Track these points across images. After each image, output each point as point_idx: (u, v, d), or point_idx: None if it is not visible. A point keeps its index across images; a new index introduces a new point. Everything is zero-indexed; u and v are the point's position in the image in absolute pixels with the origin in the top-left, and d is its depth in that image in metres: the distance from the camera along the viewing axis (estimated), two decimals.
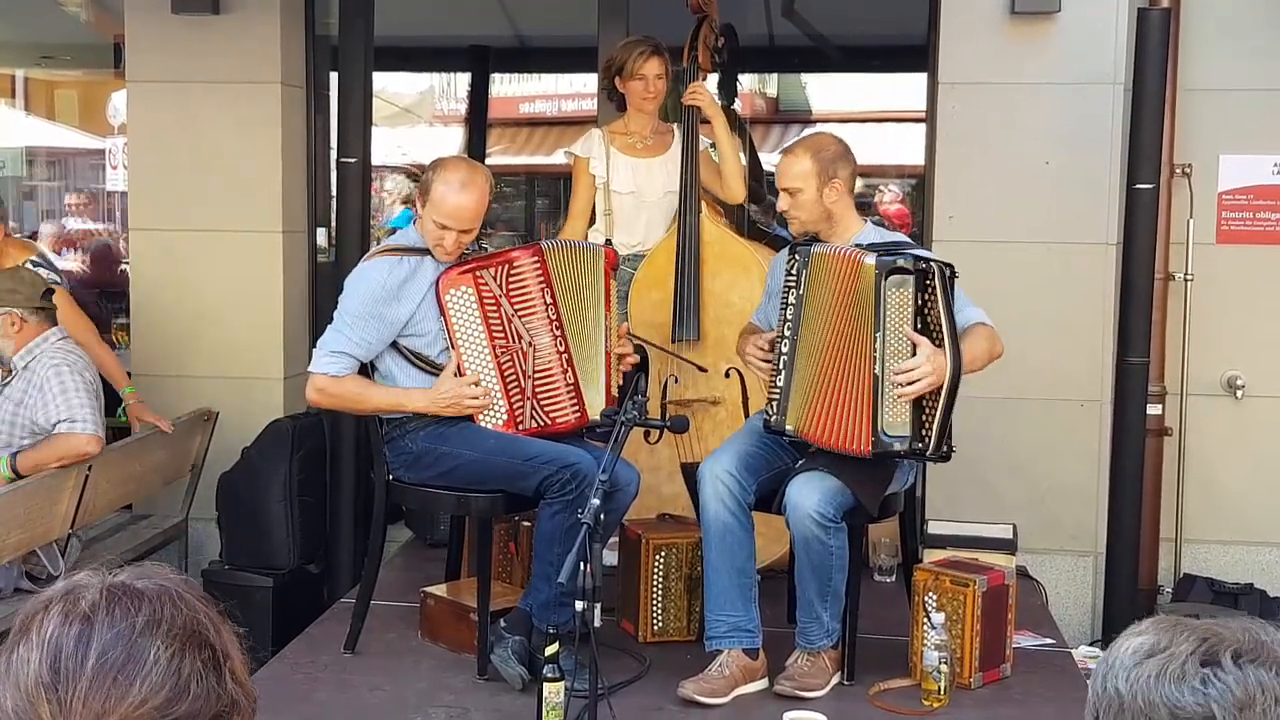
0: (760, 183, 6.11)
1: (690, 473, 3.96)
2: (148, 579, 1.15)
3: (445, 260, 3.71)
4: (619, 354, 3.88)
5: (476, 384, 3.66)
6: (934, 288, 3.44)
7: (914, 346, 3.44)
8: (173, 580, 1.16)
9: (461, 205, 3.64)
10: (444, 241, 3.66)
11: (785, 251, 3.82)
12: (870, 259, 3.49)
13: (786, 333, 3.66)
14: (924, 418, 3.48)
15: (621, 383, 3.88)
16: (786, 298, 3.67)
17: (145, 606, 1.12)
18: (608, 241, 4.61)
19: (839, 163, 3.69)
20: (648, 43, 4.59)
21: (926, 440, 3.48)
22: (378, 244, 4.20)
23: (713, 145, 4.68)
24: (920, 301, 3.45)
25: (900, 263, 3.46)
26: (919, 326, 3.46)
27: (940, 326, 3.45)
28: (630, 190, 4.63)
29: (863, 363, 3.51)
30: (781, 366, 3.66)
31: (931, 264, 3.45)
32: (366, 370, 3.74)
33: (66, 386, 4.22)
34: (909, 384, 3.43)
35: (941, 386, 3.43)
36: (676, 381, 4.52)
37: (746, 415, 4.22)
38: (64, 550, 4.35)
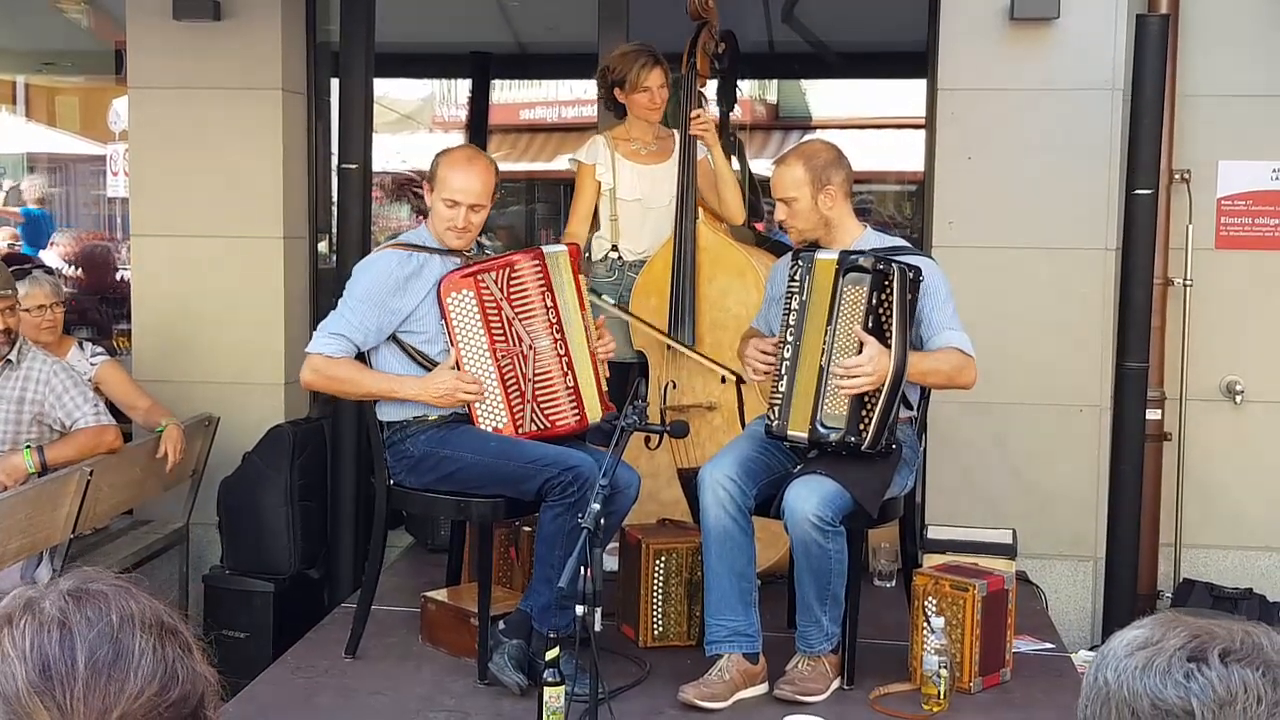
0: (757, 195, 6.14)
1: (687, 479, 3.97)
2: (98, 581, 1.16)
3: (459, 243, 3.74)
4: (601, 349, 3.90)
5: (473, 381, 3.68)
6: (891, 289, 3.49)
7: (860, 345, 3.49)
8: (122, 578, 1.18)
9: (469, 178, 3.70)
10: (455, 220, 3.70)
11: (787, 258, 3.84)
12: (834, 255, 3.57)
13: (789, 338, 3.67)
14: (864, 413, 3.54)
15: (609, 376, 3.91)
16: (789, 303, 3.68)
17: (112, 604, 1.13)
18: (613, 247, 4.64)
19: (831, 169, 3.70)
20: (646, 52, 4.59)
21: (863, 434, 3.55)
22: (378, 246, 4.22)
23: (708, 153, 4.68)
24: (875, 301, 3.50)
25: (861, 261, 3.53)
26: (871, 325, 3.51)
27: (890, 327, 3.51)
28: (636, 197, 4.63)
29: (815, 353, 3.56)
30: (784, 372, 3.67)
31: (893, 266, 3.50)
32: (365, 361, 3.76)
33: (78, 381, 4.31)
34: (849, 380, 3.48)
35: (883, 386, 3.48)
36: (674, 387, 4.53)
37: (742, 420, 4.24)
38: (66, 557, 4.36)
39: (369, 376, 3.73)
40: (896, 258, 3.58)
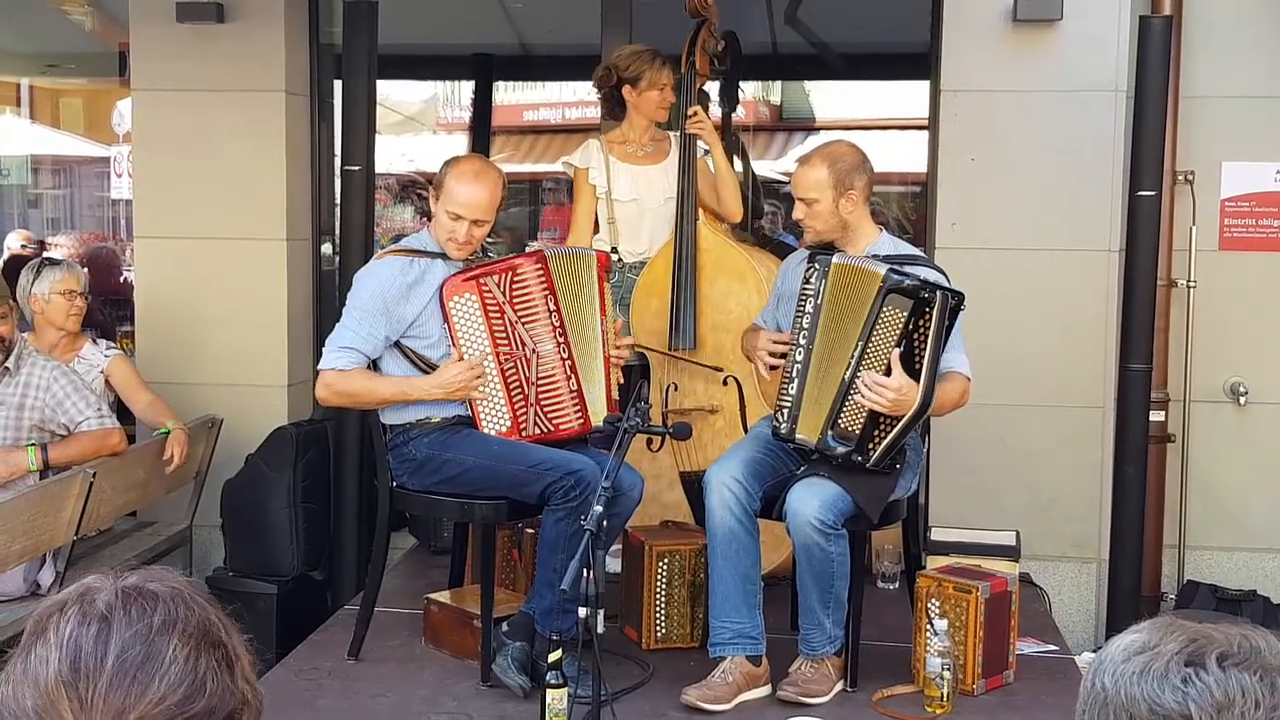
0: (758, 195, 6.13)
1: (690, 481, 3.96)
2: (158, 581, 1.18)
3: (458, 255, 3.72)
4: (615, 355, 3.89)
5: (477, 365, 3.68)
6: (930, 316, 3.45)
7: (888, 368, 3.47)
8: (182, 582, 1.19)
9: (475, 193, 3.68)
10: (457, 233, 3.68)
11: (799, 255, 3.83)
12: (882, 269, 3.51)
13: (802, 341, 3.65)
14: (877, 433, 3.52)
15: (621, 382, 3.90)
16: (804, 306, 3.65)
17: (160, 607, 1.14)
18: (613, 250, 4.63)
19: (855, 173, 3.68)
20: (657, 51, 4.60)
21: (870, 454, 3.53)
22: (381, 249, 4.22)
23: (707, 153, 4.67)
24: (912, 326, 3.46)
25: (907, 284, 3.47)
26: (903, 349, 3.47)
27: (923, 356, 3.47)
28: (632, 198, 4.63)
29: (838, 364, 3.54)
30: (795, 375, 3.66)
31: (936, 293, 3.46)
32: (373, 368, 3.76)
33: (79, 386, 4.32)
34: (869, 394, 3.46)
35: (902, 416, 3.47)
36: (676, 390, 4.53)
37: (744, 423, 4.23)
38: (69, 559, 4.36)
39: (382, 384, 3.73)
40: (942, 285, 3.54)
